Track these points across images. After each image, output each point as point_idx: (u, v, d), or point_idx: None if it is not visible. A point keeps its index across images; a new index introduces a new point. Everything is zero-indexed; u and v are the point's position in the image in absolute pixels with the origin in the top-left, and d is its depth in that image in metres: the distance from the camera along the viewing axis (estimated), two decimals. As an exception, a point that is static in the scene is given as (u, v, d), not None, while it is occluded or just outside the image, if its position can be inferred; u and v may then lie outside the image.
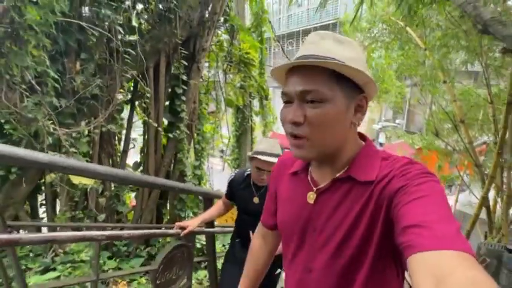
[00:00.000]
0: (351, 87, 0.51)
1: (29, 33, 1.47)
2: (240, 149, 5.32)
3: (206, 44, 2.92)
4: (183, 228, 1.41)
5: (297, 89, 0.50)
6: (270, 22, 4.84)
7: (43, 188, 2.41)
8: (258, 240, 0.81)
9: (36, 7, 1.53)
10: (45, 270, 1.97)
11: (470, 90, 3.48)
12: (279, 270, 1.38)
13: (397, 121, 12.00)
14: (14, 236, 1.02)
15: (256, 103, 5.52)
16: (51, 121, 1.86)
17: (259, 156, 1.26)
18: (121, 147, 3.03)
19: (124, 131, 2.94)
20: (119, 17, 2.15)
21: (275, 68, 0.54)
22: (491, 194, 2.96)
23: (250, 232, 1.29)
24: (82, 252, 2.21)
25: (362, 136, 0.61)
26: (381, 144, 11.09)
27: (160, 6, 2.52)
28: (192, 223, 1.43)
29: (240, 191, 1.42)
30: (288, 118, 0.51)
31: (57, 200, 2.49)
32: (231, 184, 1.46)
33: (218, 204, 1.55)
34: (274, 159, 1.23)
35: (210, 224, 1.76)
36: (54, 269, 2.00)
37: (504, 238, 2.68)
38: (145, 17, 2.57)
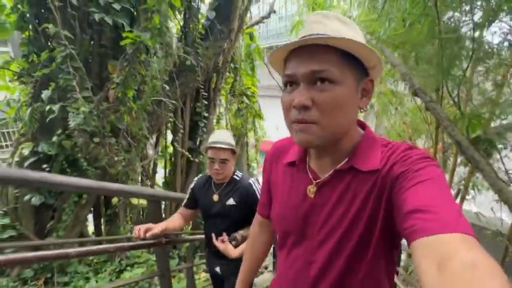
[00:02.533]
0: (359, 69, 0.48)
1: (127, 108, 2.15)
2: (238, 164, 6.12)
3: (220, 85, 3.70)
4: (147, 230, 1.17)
5: (306, 69, 0.45)
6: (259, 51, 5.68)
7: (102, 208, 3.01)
8: (256, 228, 0.80)
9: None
10: (120, 271, 2.59)
11: (415, 109, 4.60)
12: None
13: (368, 122, 13.52)
14: (65, 250, 0.99)
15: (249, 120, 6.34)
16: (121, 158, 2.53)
17: (209, 147, 1.23)
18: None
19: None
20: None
21: (278, 49, 0.48)
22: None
23: (213, 235, 1.26)
24: (140, 257, 2.84)
25: (360, 123, 0.57)
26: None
27: (188, 61, 3.25)
28: (156, 226, 1.21)
29: (202, 194, 1.36)
30: (294, 102, 0.46)
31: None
32: (194, 189, 1.39)
33: (176, 217, 1.40)
34: (223, 145, 1.21)
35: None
36: (125, 270, 2.63)
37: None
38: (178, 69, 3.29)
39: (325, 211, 0.53)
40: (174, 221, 1.36)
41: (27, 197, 2.40)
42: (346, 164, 0.52)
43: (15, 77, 2.76)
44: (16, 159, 2.48)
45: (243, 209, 1.23)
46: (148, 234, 1.15)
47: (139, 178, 3.03)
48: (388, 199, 0.46)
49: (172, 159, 3.67)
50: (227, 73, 4.01)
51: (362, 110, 0.51)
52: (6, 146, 8.83)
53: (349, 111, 0.48)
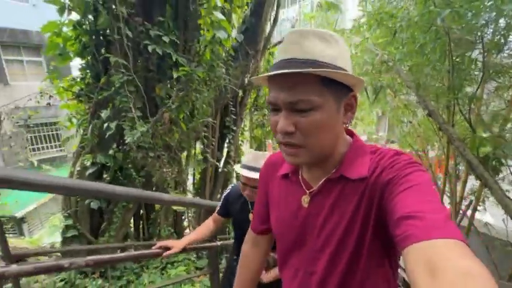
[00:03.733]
0: (340, 88, 0.48)
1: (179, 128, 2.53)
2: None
3: (246, 100, 4.05)
4: (167, 248, 1.19)
5: (285, 100, 0.47)
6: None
7: (141, 212, 3.38)
8: (248, 246, 0.78)
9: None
10: (163, 268, 2.94)
11: (428, 121, 4.81)
12: None
13: (380, 133, 13.61)
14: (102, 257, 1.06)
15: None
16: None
17: (242, 171, 1.20)
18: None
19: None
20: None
21: (255, 78, 0.52)
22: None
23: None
24: (178, 256, 3.19)
25: (348, 131, 0.59)
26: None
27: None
28: (177, 244, 1.22)
29: (236, 207, 1.32)
30: (277, 128, 0.48)
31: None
32: (227, 199, 1.36)
33: (208, 223, 1.40)
34: (256, 175, 1.12)
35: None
36: (166, 267, 2.98)
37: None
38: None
39: (320, 220, 0.54)
40: (203, 230, 1.36)
41: (86, 202, 2.79)
42: (335, 173, 0.53)
43: (74, 97, 3.18)
44: (78, 168, 2.89)
45: None
46: (164, 255, 1.18)
47: (174, 185, 3.39)
48: (379, 205, 0.47)
49: (200, 168, 4.03)
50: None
51: (346, 125, 0.53)
52: (38, 148, 9.50)
53: (331, 131, 0.50)
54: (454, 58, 2.77)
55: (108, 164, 2.77)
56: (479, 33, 2.47)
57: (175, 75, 2.77)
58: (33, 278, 2.50)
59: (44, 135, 9.62)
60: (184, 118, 2.74)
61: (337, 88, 0.48)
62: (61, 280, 2.51)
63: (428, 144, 4.87)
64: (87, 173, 2.77)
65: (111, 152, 2.79)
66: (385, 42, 3.72)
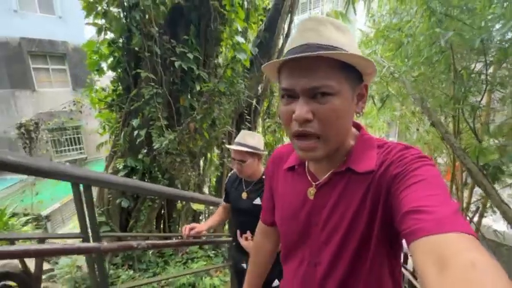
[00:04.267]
0: (355, 76, 0.49)
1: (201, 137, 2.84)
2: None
3: (260, 109, 4.33)
4: (191, 228, 1.35)
5: (306, 85, 0.45)
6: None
7: (162, 211, 3.69)
8: (260, 237, 0.80)
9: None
10: (184, 263, 3.22)
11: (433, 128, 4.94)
12: (276, 282, 1.27)
13: (390, 138, 13.65)
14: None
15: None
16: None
17: (231, 147, 1.29)
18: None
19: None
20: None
21: (268, 64, 0.50)
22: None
23: (238, 231, 1.32)
24: (198, 252, 3.47)
25: (356, 124, 0.58)
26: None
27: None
28: (200, 226, 1.37)
29: (233, 189, 1.40)
30: (295, 115, 0.47)
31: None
32: (227, 184, 1.45)
33: (219, 211, 1.52)
34: (240, 147, 1.24)
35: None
36: (186, 262, 3.26)
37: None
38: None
39: (326, 212, 0.54)
40: (216, 218, 1.49)
41: (118, 200, 3.12)
42: (343, 165, 0.53)
43: (106, 106, 3.54)
44: (110, 171, 3.22)
45: None
46: (192, 232, 1.33)
47: (194, 188, 3.69)
48: (386, 199, 0.47)
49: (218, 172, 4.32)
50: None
51: (358, 115, 0.53)
52: (60, 151, 10.07)
53: (348, 119, 0.50)
54: (458, 70, 2.96)
55: (137, 167, 3.09)
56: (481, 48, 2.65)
57: (197, 88, 3.08)
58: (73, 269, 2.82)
59: (66, 139, 10.19)
60: (207, 127, 3.04)
61: (352, 75, 0.48)
62: None
63: (435, 151, 5.00)
64: (119, 175, 3.09)
65: (140, 156, 3.11)
66: (392, 55, 3.93)
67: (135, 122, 3.05)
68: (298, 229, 0.60)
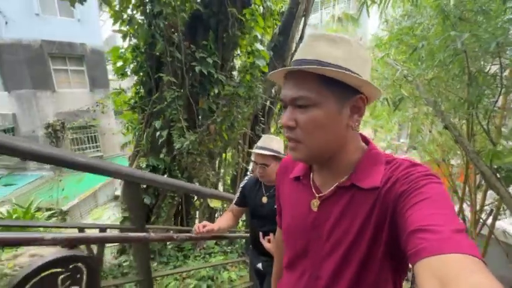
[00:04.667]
0: (344, 89, 0.50)
1: (220, 138, 3.01)
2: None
3: (273, 110, 4.45)
4: (204, 226, 1.33)
5: (288, 96, 0.52)
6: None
7: (180, 208, 3.87)
8: (280, 238, 0.83)
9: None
10: (203, 257, 3.39)
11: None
12: (260, 265, 1.37)
13: (401, 140, 13.51)
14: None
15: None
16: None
17: (253, 151, 1.30)
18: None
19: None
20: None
21: (271, 74, 0.56)
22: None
23: (260, 233, 1.32)
24: (214, 248, 3.64)
25: (364, 138, 0.59)
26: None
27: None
28: (211, 226, 1.35)
29: (252, 194, 1.40)
30: (281, 122, 0.53)
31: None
32: (244, 188, 1.44)
33: (227, 215, 1.49)
34: (264, 151, 1.25)
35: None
36: (204, 257, 3.42)
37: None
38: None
39: (329, 225, 0.55)
40: (225, 221, 1.45)
41: (142, 197, 3.31)
42: (347, 180, 0.54)
43: (129, 108, 3.74)
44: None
45: None
46: (204, 229, 1.32)
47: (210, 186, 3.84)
48: (392, 216, 0.47)
49: (234, 171, 4.48)
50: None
51: (354, 129, 0.53)
52: (78, 149, 10.47)
53: (330, 130, 0.51)
54: (472, 73, 2.99)
55: (159, 166, 3.27)
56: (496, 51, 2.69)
57: (216, 90, 3.24)
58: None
59: (83, 137, 10.59)
60: (226, 129, 3.19)
61: (339, 88, 0.49)
62: (124, 261, 3.03)
63: (448, 153, 4.99)
64: (142, 173, 3.29)
65: (161, 156, 3.29)
66: (405, 58, 3.97)
67: (157, 124, 3.23)
68: (301, 240, 0.60)
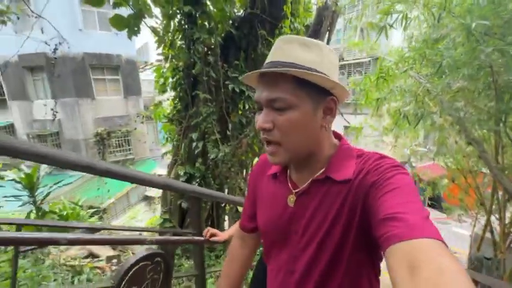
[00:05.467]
0: (317, 91, 0.52)
1: (252, 150, 3.33)
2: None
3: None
4: (212, 235, 1.35)
5: (263, 97, 0.52)
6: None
7: (211, 211, 4.23)
8: (237, 242, 0.81)
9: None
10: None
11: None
12: None
13: (428, 146, 13.03)
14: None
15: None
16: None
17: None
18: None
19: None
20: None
21: (244, 76, 0.55)
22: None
23: None
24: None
25: (336, 134, 0.62)
26: (412, 167, 12.03)
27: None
28: (221, 234, 1.36)
29: None
30: (257, 124, 0.53)
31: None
32: None
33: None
34: None
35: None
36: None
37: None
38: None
39: (305, 219, 0.56)
40: (234, 229, 1.39)
41: (178, 202, 3.70)
42: (322, 174, 0.56)
43: (167, 120, 4.18)
44: (172, 176, 3.83)
45: None
46: (211, 239, 1.33)
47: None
48: (363, 206, 0.49)
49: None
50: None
51: (326, 129, 0.55)
52: (111, 152, 11.36)
53: (307, 131, 0.53)
54: (498, 88, 3.03)
55: (195, 174, 3.64)
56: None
57: (246, 106, 3.56)
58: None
59: (119, 141, 11.46)
60: (257, 142, 3.49)
61: (313, 90, 0.51)
62: None
63: (477, 163, 4.90)
64: (180, 180, 3.68)
65: (197, 164, 3.66)
66: (429, 73, 4.03)
67: (194, 136, 3.61)
68: (278, 236, 0.62)
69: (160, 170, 12.35)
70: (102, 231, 3.30)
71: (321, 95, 0.53)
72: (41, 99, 10.82)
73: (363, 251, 0.53)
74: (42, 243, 1.32)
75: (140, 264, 1.23)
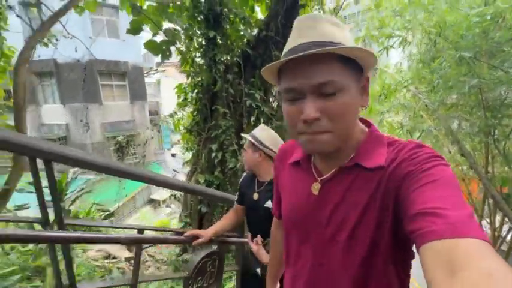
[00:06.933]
0: (357, 70, 0.49)
1: None
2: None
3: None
4: (196, 237, 1.29)
5: (312, 82, 0.46)
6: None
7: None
8: (275, 229, 0.83)
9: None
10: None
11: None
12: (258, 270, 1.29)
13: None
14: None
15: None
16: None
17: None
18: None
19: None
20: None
21: (272, 64, 0.49)
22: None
23: (249, 235, 1.31)
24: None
25: (365, 121, 0.58)
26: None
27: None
28: (205, 234, 1.31)
29: (247, 190, 1.36)
30: (304, 116, 0.47)
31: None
32: (241, 185, 1.41)
33: (229, 215, 1.46)
34: (247, 135, 1.27)
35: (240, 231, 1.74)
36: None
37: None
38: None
39: (329, 208, 0.53)
40: (224, 222, 1.43)
41: (198, 206, 4.04)
42: (350, 161, 0.52)
43: (186, 131, 4.52)
44: (192, 183, 4.17)
45: None
46: (194, 243, 1.28)
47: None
48: (396, 198, 0.45)
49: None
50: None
51: (364, 108, 0.52)
52: (119, 155, 11.63)
53: (355, 113, 0.50)
54: (486, 106, 3.44)
55: (214, 182, 3.99)
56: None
57: (261, 120, 3.93)
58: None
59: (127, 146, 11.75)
60: (273, 154, 3.85)
61: (355, 69, 0.49)
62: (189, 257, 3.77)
63: (468, 172, 5.30)
64: (200, 187, 4.03)
65: (216, 173, 4.01)
66: (425, 89, 4.44)
67: (213, 146, 3.96)
68: (300, 227, 0.59)
69: (164, 174, 12.65)
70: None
71: (358, 73, 0.50)
72: (49, 104, 11.08)
73: (398, 244, 0.49)
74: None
75: (204, 260, 1.59)
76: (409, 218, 0.40)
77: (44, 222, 0.83)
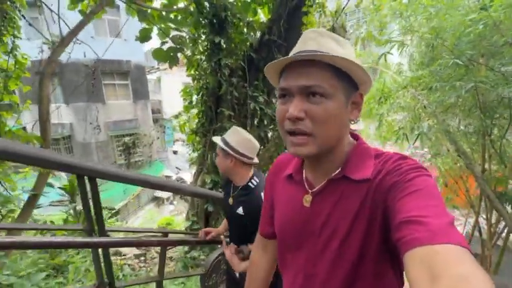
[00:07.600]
0: (349, 84, 0.52)
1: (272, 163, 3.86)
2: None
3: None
4: (207, 233, 1.45)
5: (300, 84, 0.50)
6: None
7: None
8: (258, 252, 0.79)
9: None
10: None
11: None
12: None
13: (425, 149, 13.64)
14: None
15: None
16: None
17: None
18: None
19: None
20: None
21: (275, 62, 0.53)
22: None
23: (224, 240, 1.29)
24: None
25: (353, 135, 0.61)
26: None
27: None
28: (216, 230, 1.44)
29: (225, 193, 1.36)
30: (288, 114, 0.50)
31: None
32: (223, 185, 1.44)
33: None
34: (217, 141, 1.22)
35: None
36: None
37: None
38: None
39: (321, 220, 0.56)
40: (226, 224, 1.51)
41: (205, 206, 4.19)
42: (338, 173, 0.55)
43: (191, 132, 4.65)
44: (199, 184, 4.31)
45: (254, 220, 0.94)
46: (208, 237, 1.46)
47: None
48: (384, 208, 0.48)
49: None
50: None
51: (353, 122, 0.55)
52: (121, 154, 11.79)
53: (339, 123, 0.52)
54: (482, 108, 3.55)
55: (220, 182, 4.14)
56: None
57: (265, 122, 4.06)
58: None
59: (130, 145, 11.90)
60: (277, 155, 3.97)
61: (347, 83, 0.52)
62: (199, 255, 3.94)
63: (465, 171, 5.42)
64: (206, 187, 4.17)
65: (220, 173, 4.16)
66: (425, 90, 4.55)
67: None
68: (294, 238, 0.61)
69: (166, 172, 12.82)
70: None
71: (351, 88, 0.53)
72: (53, 103, 11.19)
73: (387, 254, 0.51)
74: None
75: (218, 258, 1.75)
76: (395, 227, 0.42)
77: (90, 230, 0.96)
